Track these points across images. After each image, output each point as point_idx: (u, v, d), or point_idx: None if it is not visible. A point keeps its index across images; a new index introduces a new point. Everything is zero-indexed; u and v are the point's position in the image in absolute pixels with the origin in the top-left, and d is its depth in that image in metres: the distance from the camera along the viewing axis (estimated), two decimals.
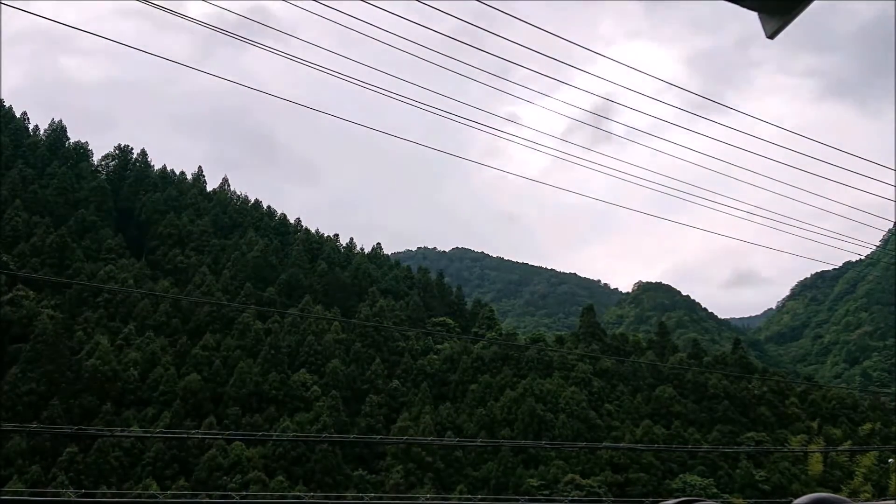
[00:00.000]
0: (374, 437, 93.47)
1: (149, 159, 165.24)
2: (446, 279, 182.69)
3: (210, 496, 71.35)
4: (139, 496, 75.88)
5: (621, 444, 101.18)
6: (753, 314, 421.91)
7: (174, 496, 71.54)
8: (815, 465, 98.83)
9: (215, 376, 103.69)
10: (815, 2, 3.33)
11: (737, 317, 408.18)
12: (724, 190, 16.27)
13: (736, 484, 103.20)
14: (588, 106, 12.94)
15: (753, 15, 3.52)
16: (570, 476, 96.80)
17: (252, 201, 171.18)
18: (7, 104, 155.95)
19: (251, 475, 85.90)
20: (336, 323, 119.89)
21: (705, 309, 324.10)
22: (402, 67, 12.00)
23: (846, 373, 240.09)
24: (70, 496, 62.86)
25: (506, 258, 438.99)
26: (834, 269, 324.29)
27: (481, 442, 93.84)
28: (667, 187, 15.74)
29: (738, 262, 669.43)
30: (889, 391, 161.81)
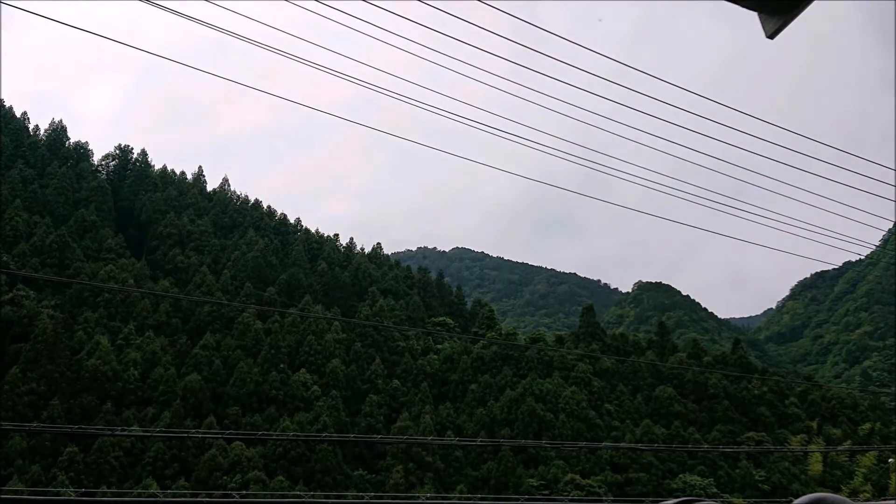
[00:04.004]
0: (374, 437, 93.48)
1: (149, 159, 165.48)
2: (446, 279, 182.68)
3: (210, 496, 71.33)
4: (139, 496, 75.86)
5: (621, 444, 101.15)
6: (753, 314, 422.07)
7: (174, 496, 71.51)
8: (815, 465, 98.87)
9: (215, 376, 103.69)
10: (814, 1, 3.34)
11: (737, 317, 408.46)
12: (723, 189, 16.26)
13: (736, 484, 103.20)
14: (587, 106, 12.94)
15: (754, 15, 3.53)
16: (570, 476, 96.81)
17: (252, 201, 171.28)
18: (7, 104, 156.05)
19: (251, 475, 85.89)
20: (336, 323, 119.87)
21: (705, 309, 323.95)
22: (401, 66, 12.01)
23: (846, 373, 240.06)
24: (70, 496, 62.85)
25: (506, 258, 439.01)
26: (834, 269, 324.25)
27: (481, 442, 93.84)
28: (665, 186, 15.74)
29: (738, 261, 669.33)
30: (889, 391, 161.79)
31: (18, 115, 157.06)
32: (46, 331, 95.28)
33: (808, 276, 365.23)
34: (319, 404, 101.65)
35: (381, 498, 77.95)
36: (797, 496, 3.83)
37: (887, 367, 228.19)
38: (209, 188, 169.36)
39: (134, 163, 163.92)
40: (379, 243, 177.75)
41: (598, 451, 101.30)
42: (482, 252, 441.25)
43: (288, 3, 10.00)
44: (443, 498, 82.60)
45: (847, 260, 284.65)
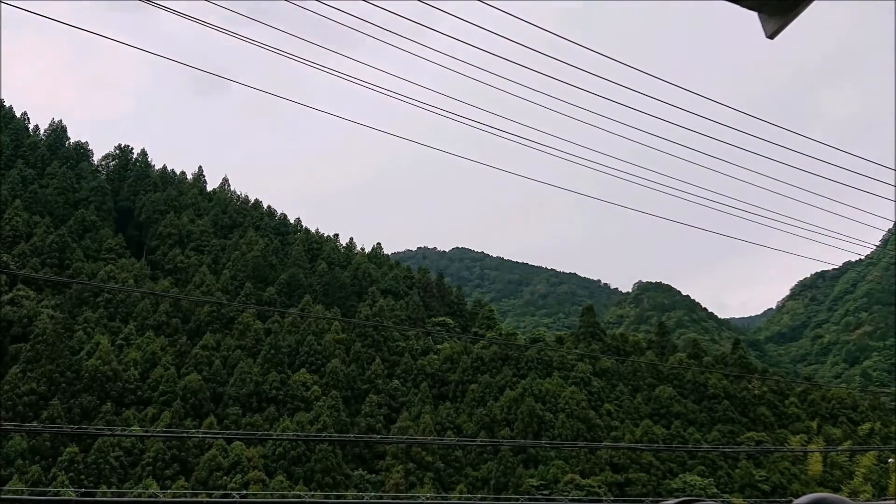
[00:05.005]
0: (374, 437, 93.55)
1: (149, 159, 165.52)
2: (446, 279, 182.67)
3: (210, 496, 71.36)
4: (139, 496, 75.90)
5: (621, 444, 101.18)
6: (753, 314, 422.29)
7: (174, 496, 71.54)
8: (815, 465, 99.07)
9: (215, 376, 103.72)
10: (815, 1, 3.34)
11: (737, 317, 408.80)
12: (723, 189, 16.26)
13: (736, 484, 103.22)
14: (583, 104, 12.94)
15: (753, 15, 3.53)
16: (570, 476, 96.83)
17: (252, 201, 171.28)
18: (7, 104, 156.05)
19: (251, 475, 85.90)
20: (336, 323, 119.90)
21: (705, 309, 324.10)
22: (400, 66, 12.02)
23: (846, 373, 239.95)
24: (70, 496, 62.87)
25: (506, 258, 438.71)
26: (834, 269, 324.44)
27: (481, 442, 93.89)
28: (666, 186, 15.74)
29: (738, 261, 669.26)
30: (889, 391, 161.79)
31: (18, 115, 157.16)
32: (46, 331, 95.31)
33: (808, 276, 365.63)
34: (319, 404, 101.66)
35: (381, 498, 77.98)
36: (797, 496, 3.83)
37: (887, 367, 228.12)
38: (209, 188, 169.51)
39: (134, 163, 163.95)
40: (379, 243, 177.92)
41: (598, 451, 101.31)
42: (482, 252, 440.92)
43: (287, 3, 10.00)
44: (443, 498, 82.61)
45: (847, 260, 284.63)
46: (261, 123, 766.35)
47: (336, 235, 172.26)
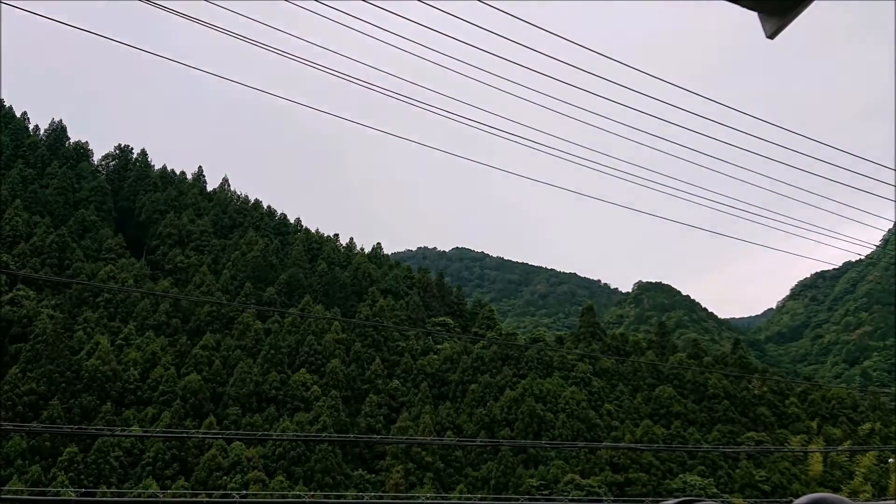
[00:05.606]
0: (374, 437, 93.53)
1: (149, 159, 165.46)
2: (446, 279, 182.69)
3: (210, 496, 71.36)
4: (139, 496, 75.88)
5: (621, 444, 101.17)
6: (753, 314, 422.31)
7: (174, 496, 71.54)
8: (815, 465, 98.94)
9: (215, 376, 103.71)
10: (815, 1, 3.34)
11: (737, 317, 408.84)
12: (722, 189, 16.25)
13: (736, 484, 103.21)
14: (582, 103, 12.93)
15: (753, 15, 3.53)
16: (570, 476, 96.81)
17: (252, 201, 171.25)
18: (7, 104, 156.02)
19: (251, 475, 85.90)
20: (336, 323, 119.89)
21: (705, 309, 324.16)
22: (400, 66, 12.01)
23: (846, 373, 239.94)
24: (70, 496, 62.88)
25: (506, 258, 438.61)
26: (834, 269, 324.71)
27: (481, 442, 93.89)
28: (666, 186, 15.73)
29: (738, 261, 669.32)
30: (889, 391, 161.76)
31: (18, 115, 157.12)
32: (46, 331, 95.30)
33: (808, 276, 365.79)
34: (319, 404, 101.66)
35: (381, 498, 78.01)
36: (797, 496, 3.83)
37: (887, 367, 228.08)
38: (209, 188, 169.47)
39: (134, 163, 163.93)
40: (379, 243, 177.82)
41: (598, 451, 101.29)
42: (482, 252, 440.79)
43: (287, 3, 10.00)
44: (443, 498, 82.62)
45: (847, 260, 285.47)
46: (260, 123, 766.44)
47: (336, 235, 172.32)
